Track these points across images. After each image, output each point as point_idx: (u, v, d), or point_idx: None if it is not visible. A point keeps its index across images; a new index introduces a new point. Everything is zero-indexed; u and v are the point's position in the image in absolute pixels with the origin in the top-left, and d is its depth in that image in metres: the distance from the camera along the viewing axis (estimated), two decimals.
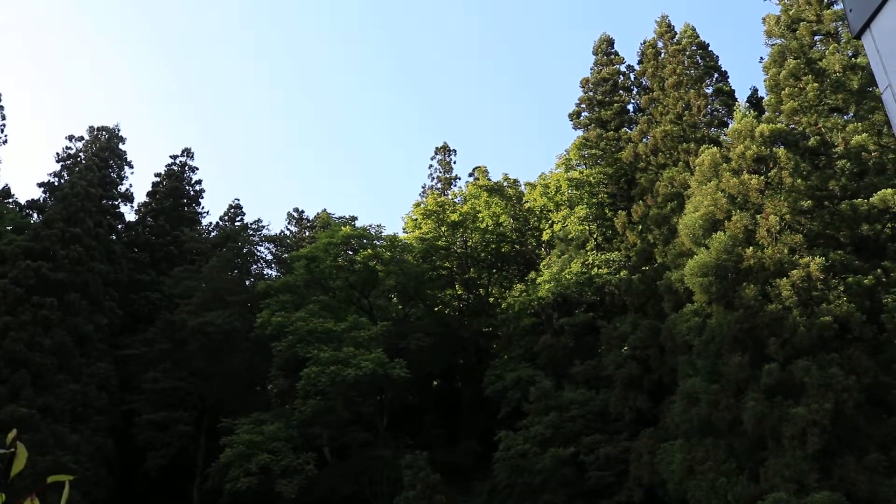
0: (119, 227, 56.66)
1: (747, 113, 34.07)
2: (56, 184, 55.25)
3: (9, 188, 58.97)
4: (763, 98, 39.07)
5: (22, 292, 41.31)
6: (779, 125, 32.54)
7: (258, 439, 38.58)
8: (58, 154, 57.88)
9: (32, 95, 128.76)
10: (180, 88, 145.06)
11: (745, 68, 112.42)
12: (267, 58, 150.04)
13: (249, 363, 47.30)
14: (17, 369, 38.74)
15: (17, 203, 57.09)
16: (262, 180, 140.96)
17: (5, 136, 60.23)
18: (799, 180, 30.01)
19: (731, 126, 35.63)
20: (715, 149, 33.44)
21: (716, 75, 43.30)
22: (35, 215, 54.86)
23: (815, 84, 33.60)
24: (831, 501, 22.63)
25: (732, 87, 43.16)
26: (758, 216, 29.66)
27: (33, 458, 33.61)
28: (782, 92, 34.38)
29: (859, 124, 32.37)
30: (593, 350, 40.07)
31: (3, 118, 59.87)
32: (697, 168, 33.72)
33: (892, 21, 3.85)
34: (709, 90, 42.44)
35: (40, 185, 56.35)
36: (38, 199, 56.23)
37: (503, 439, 35.61)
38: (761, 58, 39.07)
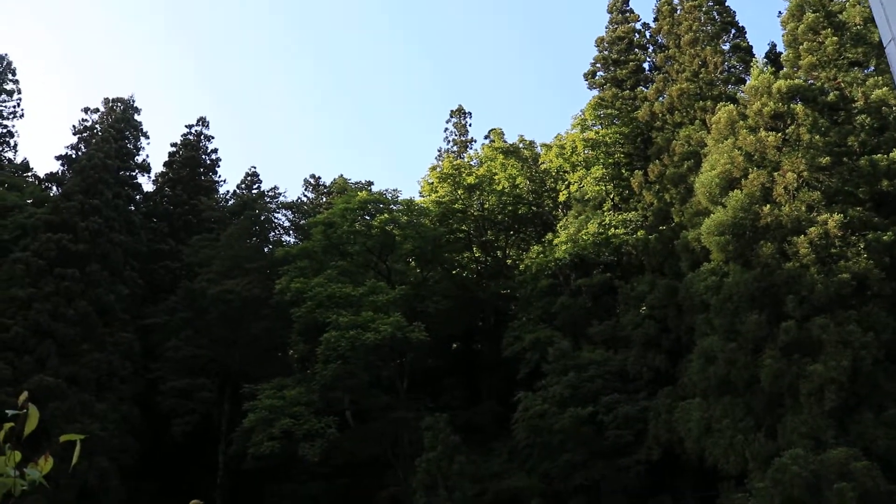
0: (137, 197, 57.08)
1: (765, 69, 33.59)
2: (73, 156, 55.68)
3: (27, 162, 59.71)
4: (781, 53, 38.45)
5: (44, 264, 41.86)
6: (797, 81, 32.06)
7: (280, 404, 39.17)
8: (74, 126, 58.34)
9: (47, 68, 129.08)
10: (194, 57, 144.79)
11: (763, 23, 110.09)
12: (280, 24, 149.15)
13: (269, 329, 47.83)
14: (42, 340, 39.44)
15: (35, 176, 57.71)
16: (277, 148, 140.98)
17: (21, 109, 60.70)
18: (817, 136, 29.63)
19: (748, 83, 35.18)
20: (732, 106, 33.06)
21: (733, 31, 42.63)
22: (54, 188, 55.45)
23: (835, 38, 32.97)
24: (848, 457, 22.74)
25: (750, 43, 42.52)
26: (775, 174, 29.38)
27: (62, 427, 34.40)
28: (801, 46, 33.75)
29: (880, 78, 31.75)
30: (611, 310, 40.17)
31: (19, 92, 60.29)
32: (714, 126, 33.38)
33: None
34: (725, 46, 41.81)
35: (58, 157, 56.92)
36: (57, 172, 56.78)
37: (522, 400, 35.89)
38: (780, 12, 38.31)
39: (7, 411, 2.17)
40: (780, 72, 34.07)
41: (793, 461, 23.37)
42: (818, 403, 24.51)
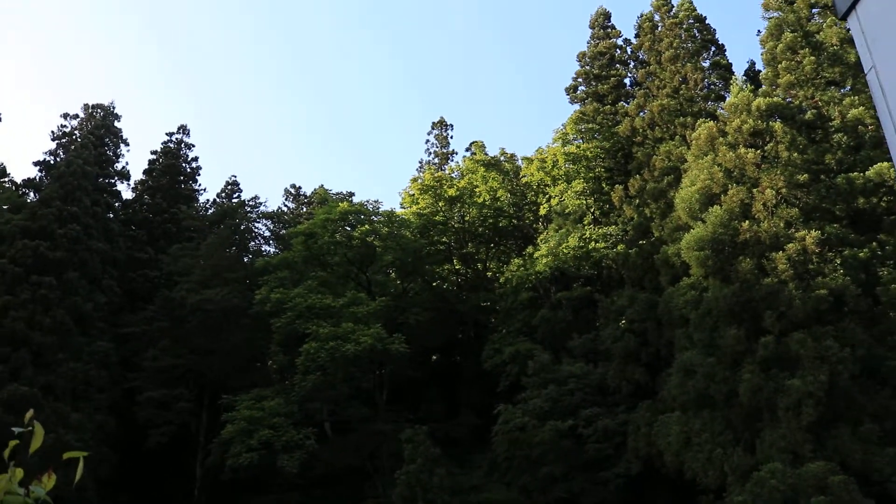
0: (116, 205, 56.60)
1: (744, 87, 33.99)
2: (52, 162, 55.08)
3: (4, 167, 58.88)
4: (760, 72, 38.89)
5: (20, 272, 41.38)
6: (775, 99, 32.46)
7: (259, 415, 38.91)
8: (53, 132, 57.67)
9: (26, 73, 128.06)
10: (175, 65, 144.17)
11: (743, 42, 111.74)
12: (262, 34, 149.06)
13: (249, 340, 47.54)
14: (17, 348, 38.92)
15: (13, 182, 56.98)
16: (258, 157, 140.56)
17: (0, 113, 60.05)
18: (795, 154, 30.01)
19: (727, 100, 35.56)
20: (711, 123, 33.41)
21: (713, 49, 43.14)
22: (32, 194, 54.77)
23: (812, 57, 33.45)
24: (825, 471, 22.93)
25: (730, 61, 43.06)
26: (754, 190, 29.69)
27: None
28: (779, 65, 34.21)
29: (856, 98, 32.23)
30: (591, 324, 40.32)
31: None
32: (694, 142, 33.71)
33: (877, 3, 3.94)
34: (706, 64, 42.30)
35: (36, 163, 56.21)
36: (35, 178, 56.09)
37: (502, 413, 35.88)
38: (759, 31, 38.94)
39: (14, 429, 2.19)
40: (759, 90, 34.50)
41: (771, 475, 23.55)
42: (796, 418, 24.71)
